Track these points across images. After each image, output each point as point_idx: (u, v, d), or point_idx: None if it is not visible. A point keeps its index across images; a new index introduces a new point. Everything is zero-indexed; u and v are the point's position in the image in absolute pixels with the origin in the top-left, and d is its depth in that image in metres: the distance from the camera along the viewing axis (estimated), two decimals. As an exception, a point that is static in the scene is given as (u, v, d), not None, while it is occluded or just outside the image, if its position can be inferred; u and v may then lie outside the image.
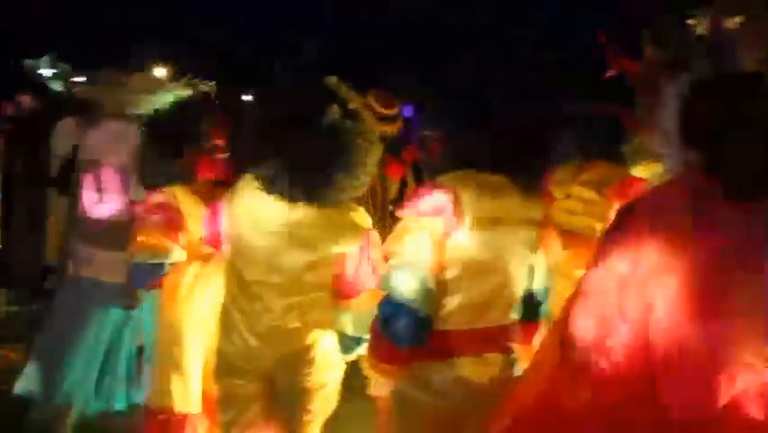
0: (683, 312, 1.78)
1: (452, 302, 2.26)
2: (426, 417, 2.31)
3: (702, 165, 1.89)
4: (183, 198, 3.00)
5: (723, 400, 1.76)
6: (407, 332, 2.20)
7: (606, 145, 3.37)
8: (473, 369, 2.28)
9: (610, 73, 3.00)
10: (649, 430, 1.81)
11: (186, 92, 3.52)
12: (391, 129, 4.73)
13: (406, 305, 2.19)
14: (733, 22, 2.21)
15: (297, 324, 2.59)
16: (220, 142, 3.16)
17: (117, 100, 3.60)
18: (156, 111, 3.23)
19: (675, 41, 2.32)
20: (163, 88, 3.54)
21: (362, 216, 2.64)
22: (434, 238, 2.21)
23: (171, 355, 2.98)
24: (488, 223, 2.23)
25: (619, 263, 1.86)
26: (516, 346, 2.40)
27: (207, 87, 3.70)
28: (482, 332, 2.30)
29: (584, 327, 1.89)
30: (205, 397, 3.00)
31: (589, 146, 3.42)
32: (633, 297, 1.83)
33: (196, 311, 2.98)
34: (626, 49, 2.90)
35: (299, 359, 2.62)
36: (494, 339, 2.32)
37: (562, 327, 1.96)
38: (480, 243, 2.22)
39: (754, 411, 1.76)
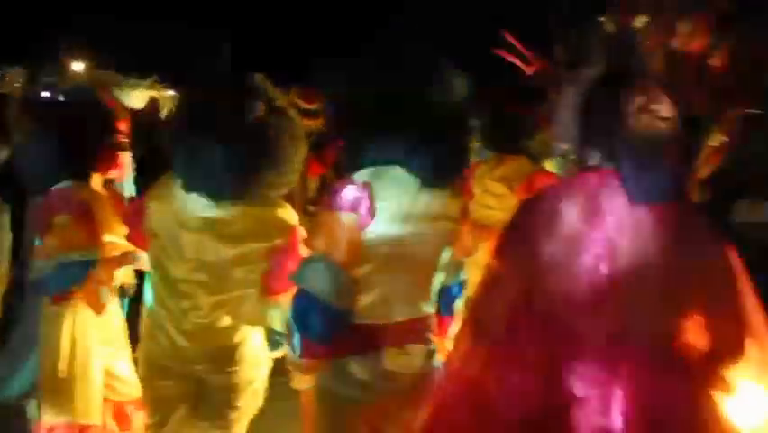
0: (574, 305, 1.87)
1: (369, 296, 2.27)
2: (350, 410, 2.31)
3: (601, 161, 1.95)
4: (92, 196, 2.96)
5: (617, 385, 1.84)
6: (321, 326, 2.21)
7: (517, 142, 3.49)
8: (394, 361, 2.30)
9: (528, 72, 3.05)
10: (555, 409, 1.88)
11: (150, 92, 3.59)
12: (314, 124, 4.70)
13: (319, 299, 2.20)
14: (640, 20, 2.27)
15: (225, 322, 2.60)
16: (124, 138, 3.17)
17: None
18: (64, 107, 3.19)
19: (580, 40, 2.39)
20: (127, 85, 3.55)
21: (289, 213, 2.65)
22: (348, 233, 2.21)
23: (74, 365, 2.92)
24: (402, 218, 2.25)
25: (518, 256, 1.95)
26: (433, 339, 2.43)
27: (164, 94, 3.75)
28: (402, 325, 2.31)
29: (490, 313, 1.97)
30: (115, 406, 3.03)
31: (501, 143, 3.55)
32: (532, 287, 1.91)
33: (101, 319, 2.97)
34: (536, 49, 2.95)
35: (228, 357, 2.62)
36: (414, 331, 2.34)
37: (472, 313, 2.05)
38: (395, 237, 2.24)
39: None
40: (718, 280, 1.90)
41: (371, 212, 2.21)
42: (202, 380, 2.66)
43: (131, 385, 3.07)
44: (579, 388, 1.86)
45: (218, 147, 2.45)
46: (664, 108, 1.91)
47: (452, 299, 2.51)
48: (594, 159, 1.97)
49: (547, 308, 1.90)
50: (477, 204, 3.38)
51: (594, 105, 1.98)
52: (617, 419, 1.83)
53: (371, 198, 2.21)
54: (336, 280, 2.20)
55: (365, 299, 2.28)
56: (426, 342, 2.38)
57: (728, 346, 1.88)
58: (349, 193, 2.24)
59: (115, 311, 3.11)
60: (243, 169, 2.47)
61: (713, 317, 1.89)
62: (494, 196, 3.44)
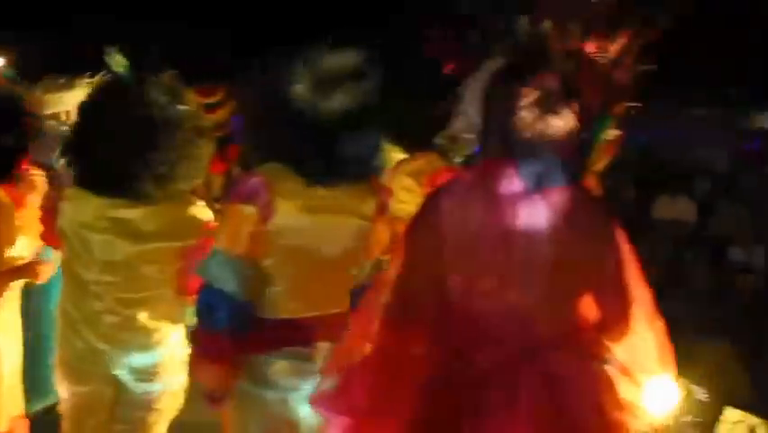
0: (479, 289, 1.95)
1: (277, 290, 2.28)
2: (268, 410, 2.31)
3: (501, 151, 2.00)
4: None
5: (522, 364, 1.93)
6: (225, 319, 2.20)
7: (428, 139, 3.52)
8: (307, 359, 2.28)
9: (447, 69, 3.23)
10: (464, 387, 1.94)
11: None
12: (217, 118, 4.50)
13: (222, 292, 2.20)
14: (548, 23, 2.28)
15: (140, 322, 2.55)
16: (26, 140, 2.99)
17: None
18: None
19: (494, 40, 2.38)
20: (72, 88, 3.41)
21: (202, 210, 2.63)
22: (249, 225, 2.22)
23: None
24: (305, 210, 2.25)
25: (427, 244, 1.99)
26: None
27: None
28: (314, 320, 2.30)
29: (402, 299, 2.00)
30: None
31: (413, 140, 3.70)
32: (440, 274, 1.97)
33: (8, 323, 2.88)
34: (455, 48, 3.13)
35: (145, 358, 2.57)
36: (327, 328, 2.29)
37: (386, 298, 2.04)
38: (298, 230, 2.24)
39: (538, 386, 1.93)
40: (609, 261, 2.01)
41: (270, 204, 2.22)
42: (121, 383, 2.61)
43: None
44: (487, 367, 1.94)
45: (116, 145, 2.43)
46: (559, 102, 1.97)
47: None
48: (494, 149, 2.03)
49: (454, 293, 1.97)
50: (394, 199, 3.41)
51: (493, 96, 2.03)
52: (524, 398, 1.92)
53: (270, 191, 2.23)
54: (237, 273, 2.21)
55: (274, 293, 2.29)
56: (340, 340, 2.27)
57: (616, 321, 2.01)
58: (248, 186, 2.27)
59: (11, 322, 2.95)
60: (147, 166, 2.45)
61: (603, 294, 2.00)
62: (405, 190, 3.55)
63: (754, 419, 4.64)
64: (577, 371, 1.99)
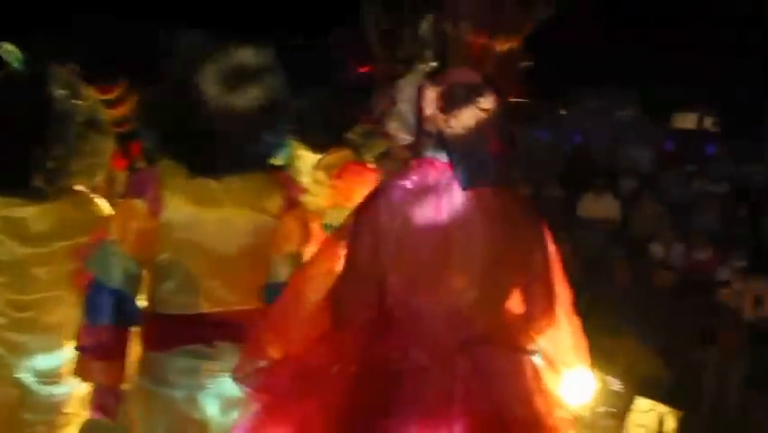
0: (417, 285, 2.01)
1: (170, 285, 2.27)
2: (173, 409, 2.28)
3: (434, 151, 2.06)
4: None
5: (452, 343, 2.00)
6: (109, 313, 2.20)
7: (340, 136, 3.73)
8: (208, 357, 2.27)
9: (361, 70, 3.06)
10: (403, 376, 1.99)
11: None
12: (117, 113, 4.42)
13: (107, 286, 2.20)
14: (459, 25, 2.31)
15: (38, 324, 2.49)
16: None
17: None
18: None
19: (404, 40, 2.41)
20: None
21: (100, 207, 2.57)
22: (138, 220, 2.22)
23: None
24: (195, 205, 2.24)
25: (366, 243, 2.03)
26: None
27: None
28: (212, 317, 2.28)
29: (345, 295, 2.05)
30: None
31: (327, 136, 3.76)
32: (380, 270, 2.02)
33: None
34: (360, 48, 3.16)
35: (49, 360, 2.51)
36: (228, 325, 2.28)
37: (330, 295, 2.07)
38: (189, 224, 2.23)
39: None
40: (536, 258, 2.11)
41: (159, 199, 2.22)
42: (25, 385, 2.54)
43: None
44: (424, 362, 1.99)
45: (5, 139, 2.39)
46: (486, 101, 2.03)
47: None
48: (428, 149, 2.08)
49: (394, 291, 2.01)
50: (308, 193, 3.56)
51: (426, 98, 2.07)
52: (459, 391, 1.97)
53: (159, 185, 2.23)
54: (122, 267, 2.21)
55: (165, 288, 2.28)
56: (237, 340, 2.27)
57: (541, 316, 2.12)
58: (137, 180, 2.30)
59: None
60: (37, 162, 2.40)
61: (530, 290, 2.10)
62: (317, 184, 3.66)
63: (663, 408, 4.84)
64: (508, 364, 2.07)
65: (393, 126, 2.22)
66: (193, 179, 2.26)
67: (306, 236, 2.48)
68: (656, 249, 7.64)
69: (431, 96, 2.06)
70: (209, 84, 2.25)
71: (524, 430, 2.04)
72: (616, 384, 5.20)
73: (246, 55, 2.31)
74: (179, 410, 2.28)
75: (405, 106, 2.13)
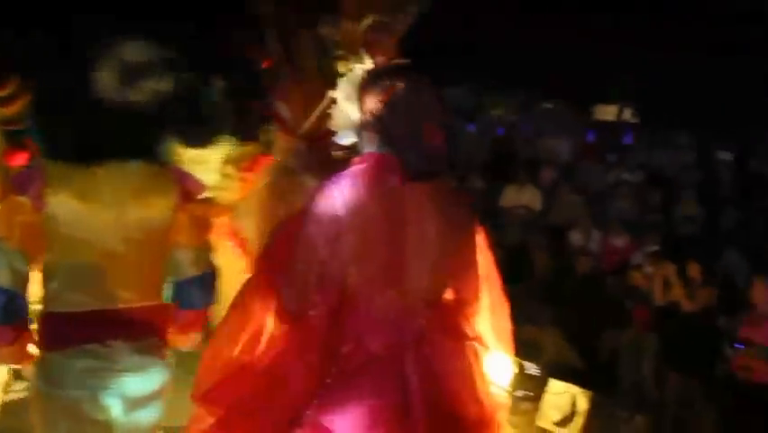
0: (365, 277, 2.07)
1: (57, 281, 2.25)
2: (74, 411, 2.26)
3: (379, 145, 2.15)
4: None
5: (408, 335, 2.09)
6: (1, 312, 2.19)
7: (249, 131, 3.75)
8: (105, 357, 2.26)
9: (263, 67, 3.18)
10: (355, 365, 2.06)
11: None
12: (7, 111, 4.37)
13: None
14: (360, 24, 2.43)
15: None
16: None
17: None
18: None
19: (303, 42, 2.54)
20: None
21: None
22: (23, 216, 2.21)
23: None
24: (80, 201, 2.23)
25: (314, 237, 2.08)
26: (171, 332, 2.41)
27: None
28: (105, 315, 2.26)
29: (294, 289, 2.08)
30: None
31: (237, 131, 3.78)
32: (330, 264, 2.08)
33: None
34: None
35: None
36: (123, 323, 2.27)
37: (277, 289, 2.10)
38: (74, 220, 2.22)
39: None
40: (472, 248, 2.25)
41: (43, 195, 2.21)
42: None
43: None
44: (378, 348, 2.07)
45: None
46: (425, 96, 2.14)
47: (191, 292, 2.45)
48: (371, 144, 2.17)
49: (350, 280, 2.07)
50: (215, 187, 3.65)
51: (366, 96, 2.16)
52: (414, 379, 2.06)
53: (43, 181, 2.22)
54: (8, 264, 2.20)
55: (54, 286, 2.27)
56: (132, 337, 2.29)
57: (475, 302, 2.24)
58: (22, 176, 2.30)
59: None
60: None
61: (465, 278, 2.23)
62: (226, 177, 3.71)
63: (575, 389, 5.04)
64: (453, 351, 2.17)
65: (335, 124, 2.32)
66: (80, 174, 2.25)
67: (203, 231, 2.47)
68: (575, 237, 7.89)
69: (368, 91, 2.15)
70: (104, 78, 2.25)
71: (475, 427, 2.14)
72: (532, 369, 5.40)
73: (142, 49, 2.31)
74: (81, 412, 2.25)
75: (346, 104, 2.22)
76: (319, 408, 2.04)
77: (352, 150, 2.23)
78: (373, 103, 2.13)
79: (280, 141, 2.46)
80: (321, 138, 2.42)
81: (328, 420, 2.02)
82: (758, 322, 4.84)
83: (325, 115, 2.60)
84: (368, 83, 2.19)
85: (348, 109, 2.21)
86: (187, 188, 2.43)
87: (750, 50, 10.07)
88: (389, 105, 2.11)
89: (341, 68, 2.39)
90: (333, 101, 2.40)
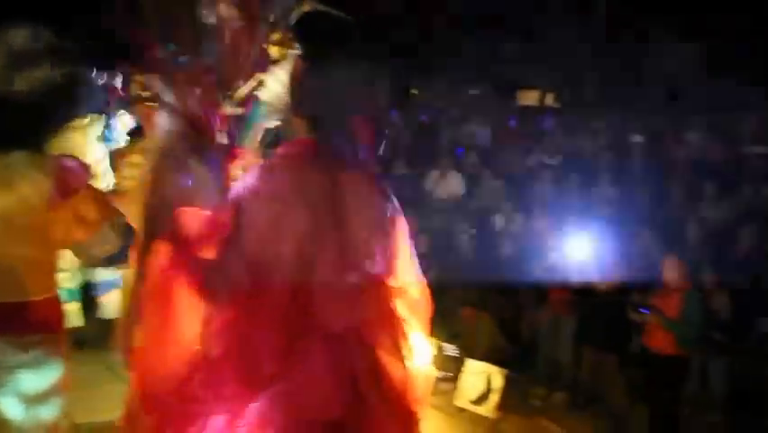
0: (288, 267, 2.10)
1: None
2: None
3: (307, 131, 2.20)
4: None
5: (360, 314, 2.16)
6: None
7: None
8: None
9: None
10: (321, 347, 2.11)
11: None
12: None
13: None
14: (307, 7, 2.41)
15: None
16: None
17: None
18: None
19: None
20: None
21: None
22: None
23: None
24: None
25: (266, 208, 2.10)
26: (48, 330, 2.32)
27: None
28: None
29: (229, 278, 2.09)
30: None
31: None
32: (277, 238, 2.11)
33: None
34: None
35: None
36: (3, 320, 2.22)
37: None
38: None
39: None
40: (395, 234, 2.31)
41: None
42: None
43: None
44: (319, 336, 2.11)
45: None
46: (350, 84, 2.18)
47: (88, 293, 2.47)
48: (301, 130, 2.22)
49: (290, 263, 2.10)
50: (120, 177, 3.64)
51: (297, 82, 2.21)
52: (357, 355, 2.14)
53: None
54: None
55: None
56: (21, 333, 2.24)
57: (395, 280, 2.30)
58: None
59: None
60: None
61: (387, 259, 2.28)
62: (133, 166, 3.59)
63: (492, 368, 5.18)
64: (383, 329, 2.23)
65: (265, 109, 2.32)
66: None
67: (90, 225, 2.37)
68: (498, 221, 8.04)
69: (310, 80, 2.17)
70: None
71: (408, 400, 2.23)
72: (450, 350, 5.53)
73: (27, 37, 2.25)
74: None
75: (276, 90, 2.25)
76: (278, 382, 2.07)
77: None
78: (304, 89, 2.18)
79: (161, 122, 2.39)
80: (204, 120, 2.39)
81: (287, 394, 2.06)
82: (666, 294, 5.05)
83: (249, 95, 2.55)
84: (300, 69, 2.21)
85: (279, 93, 2.24)
86: (67, 183, 2.33)
87: (664, 38, 10.43)
88: (312, 89, 2.16)
89: (274, 52, 2.37)
90: (261, 83, 2.39)
